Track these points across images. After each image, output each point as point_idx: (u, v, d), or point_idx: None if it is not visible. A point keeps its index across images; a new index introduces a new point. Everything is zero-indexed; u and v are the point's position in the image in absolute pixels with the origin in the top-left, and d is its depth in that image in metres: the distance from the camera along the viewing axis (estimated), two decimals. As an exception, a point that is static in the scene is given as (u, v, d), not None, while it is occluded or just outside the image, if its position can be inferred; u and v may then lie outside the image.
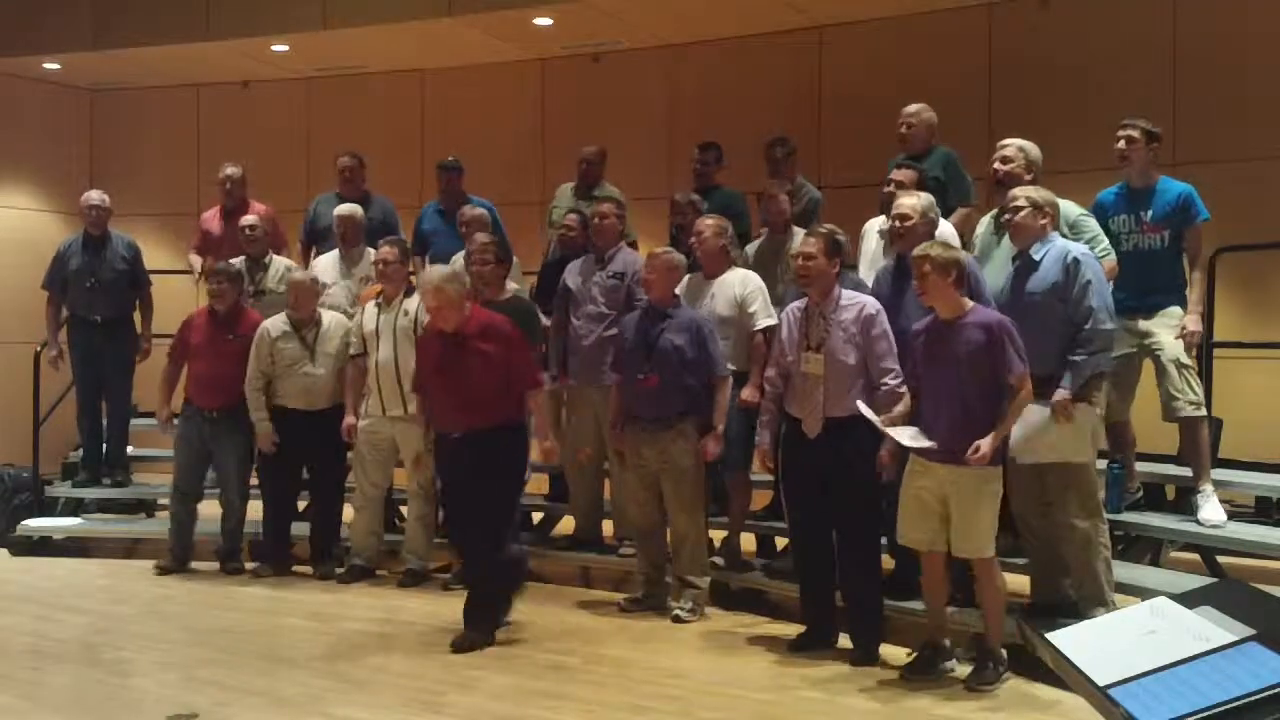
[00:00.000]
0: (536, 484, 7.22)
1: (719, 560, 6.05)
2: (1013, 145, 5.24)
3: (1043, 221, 4.73)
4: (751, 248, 6.29)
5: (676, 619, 5.63)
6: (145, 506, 7.92)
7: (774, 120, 7.32)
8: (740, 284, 5.85)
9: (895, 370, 4.87)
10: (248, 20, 8.90)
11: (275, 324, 6.59)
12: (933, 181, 5.79)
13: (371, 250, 6.87)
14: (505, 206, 7.71)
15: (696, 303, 5.85)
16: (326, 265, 7.25)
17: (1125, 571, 5.03)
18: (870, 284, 5.48)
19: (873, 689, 4.63)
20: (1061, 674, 2.48)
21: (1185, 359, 5.22)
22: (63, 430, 8.02)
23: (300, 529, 6.81)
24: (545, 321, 6.50)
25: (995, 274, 5.04)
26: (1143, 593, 4.59)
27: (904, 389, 4.78)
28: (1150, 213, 5.31)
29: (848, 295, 5.01)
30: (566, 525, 7.06)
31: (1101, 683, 2.20)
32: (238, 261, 7.31)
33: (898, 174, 5.65)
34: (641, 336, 5.66)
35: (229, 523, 6.79)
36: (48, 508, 7.68)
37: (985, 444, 4.37)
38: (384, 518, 6.90)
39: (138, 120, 10.50)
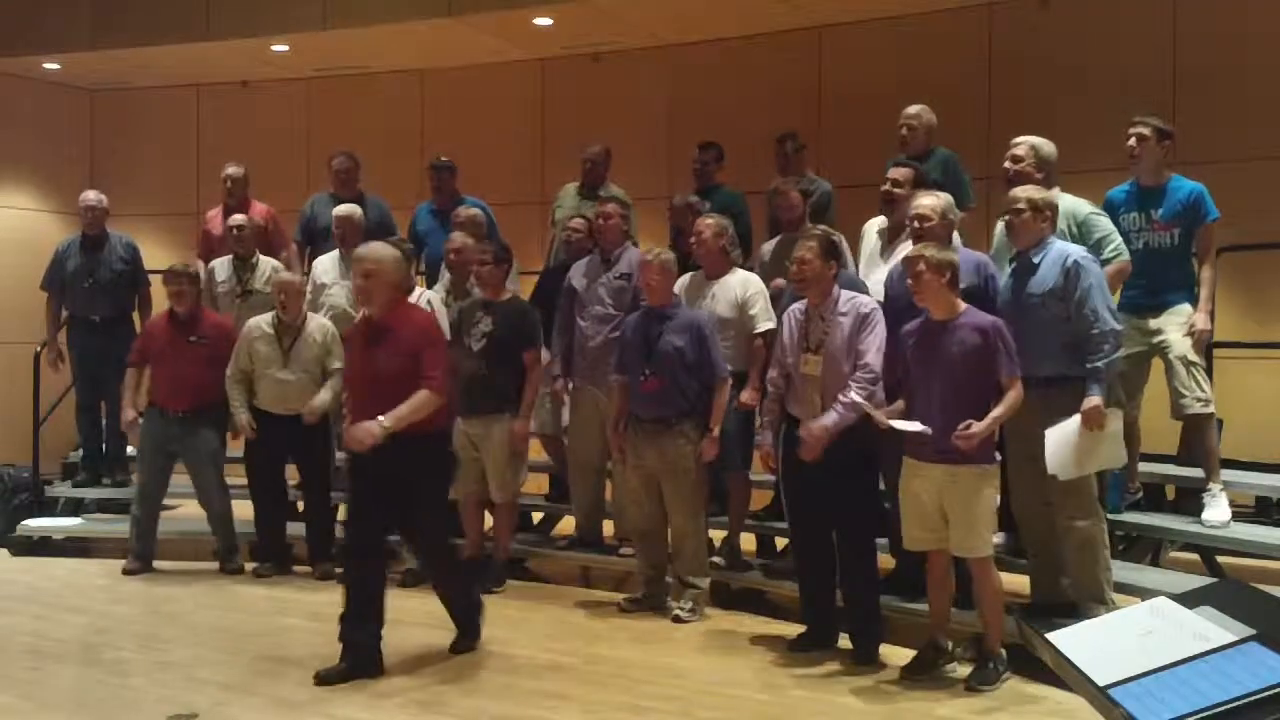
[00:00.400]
0: (536, 484, 7.24)
1: (719, 560, 6.05)
2: (1024, 144, 5.22)
3: (1043, 223, 4.72)
4: (769, 246, 6.26)
5: (676, 619, 5.63)
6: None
7: (774, 120, 7.33)
8: (741, 286, 5.84)
9: (869, 366, 4.83)
10: (248, 20, 8.91)
11: (258, 324, 6.61)
12: (931, 183, 5.78)
13: (371, 250, 6.87)
14: (505, 207, 7.72)
15: (696, 303, 5.85)
16: (326, 266, 7.26)
17: (1125, 572, 5.03)
18: (870, 283, 5.48)
19: (873, 689, 4.62)
20: (1061, 674, 2.47)
21: (1193, 356, 5.20)
22: (63, 430, 8.03)
23: (298, 529, 6.80)
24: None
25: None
26: (1143, 593, 4.59)
27: (863, 387, 4.78)
28: (1161, 211, 5.29)
29: (846, 296, 5.00)
30: (566, 525, 7.07)
31: (1101, 683, 2.19)
32: (223, 262, 7.32)
33: (894, 173, 5.64)
34: (642, 338, 5.66)
35: (215, 522, 6.79)
36: (48, 508, 7.68)
37: (977, 426, 4.35)
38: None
39: (138, 120, 10.51)
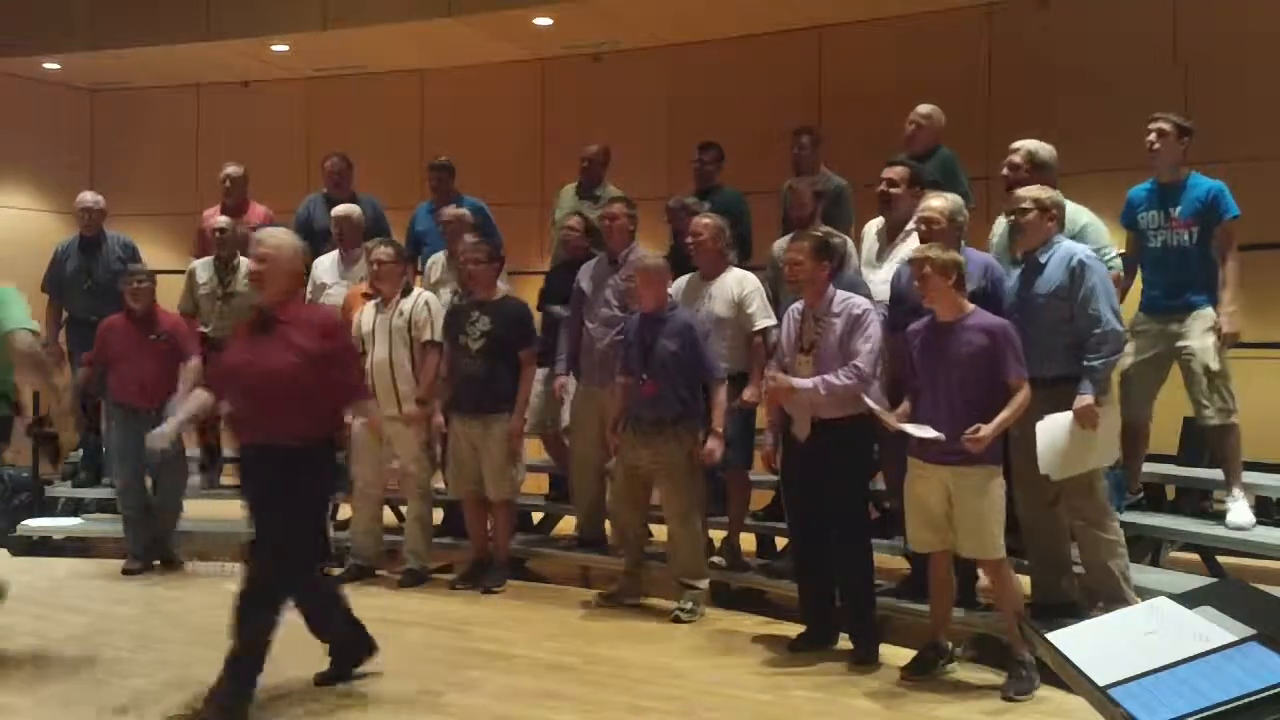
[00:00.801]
0: (537, 484, 7.24)
1: (719, 560, 6.05)
2: (1021, 150, 5.20)
3: (1049, 223, 4.70)
4: (781, 243, 6.22)
5: (676, 619, 5.63)
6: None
7: (774, 120, 7.33)
8: (738, 285, 5.84)
9: (854, 367, 4.81)
10: (248, 20, 8.91)
11: None
12: (930, 183, 5.78)
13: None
14: (505, 207, 7.72)
15: (694, 304, 5.86)
16: (326, 266, 7.27)
17: (1125, 571, 5.02)
18: (874, 282, 5.48)
19: (872, 689, 4.62)
20: (1061, 674, 2.47)
21: (1216, 365, 5.14)
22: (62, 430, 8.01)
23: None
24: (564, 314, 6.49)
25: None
26: (1143, 593, 4.58)
27: (848, 377, 4.78)
28: (1179, 209, 5.24)
29: (841, 296, 4.99)
30: (566, 525, 7.07)
31: (1101, 683, 2.19)
32: (204, 263, 7.33)
33: (889, 172, 5.63)
34: (639, 342, 5.69)
35: (168, 519, 6.87)
36: (48, 508, 7.68)
37: (986, 429, 4.33)
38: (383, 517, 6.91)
39: (138, 120, 10.51)
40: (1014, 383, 4.43)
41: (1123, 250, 5.46)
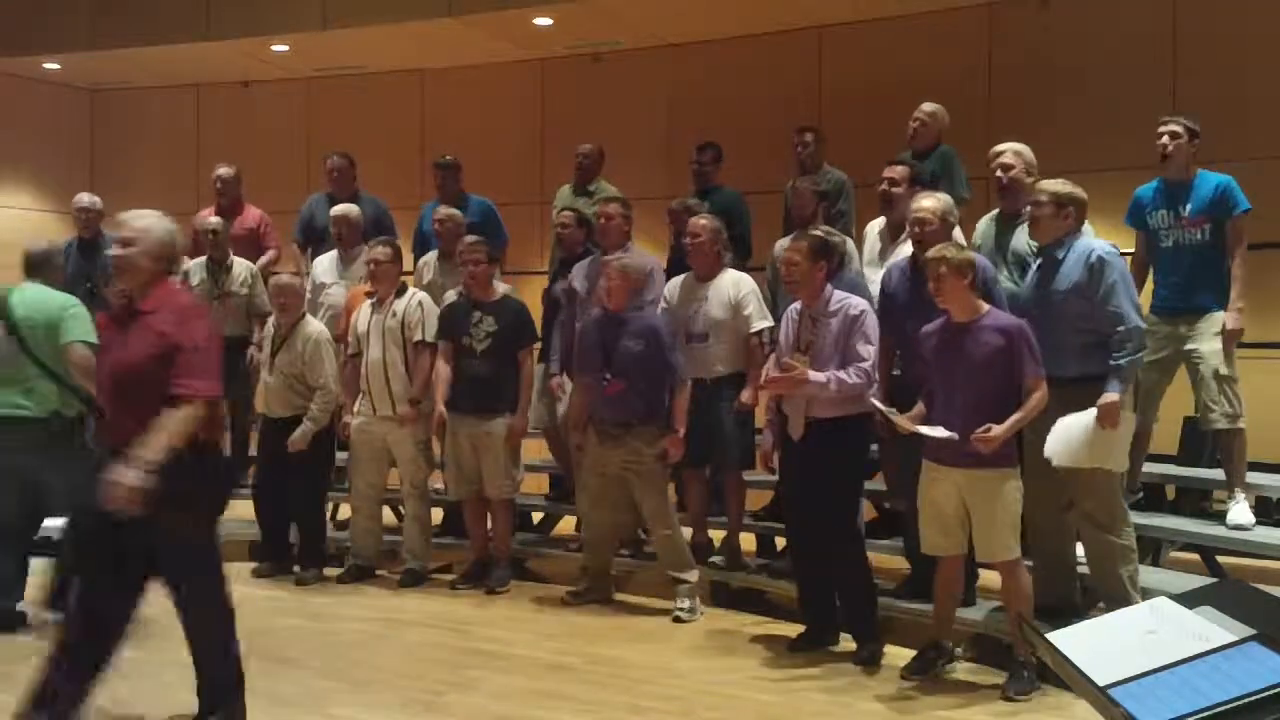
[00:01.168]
0: (537, 484, 7.24)
1: (719, 560, 6.05)
2: (1009, 151, 5.22)
3: (1066, 218, 4.66)
4: (782, 243, 6.21)
5: (677, 619, 5.65)
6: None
7: (774, 120, 7.33)
8: (734, 286, 5.84)
9: (861, 368, 4.81)
10: (248, 20, 8.91)
11: (269, 326, 6.68)
12: (929, 178, 5.79)
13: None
14: (505, 206, 7.72)
15: (690, 305, 5.86)
16: (326, 265, 7.28)
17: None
18: (878, 280, 5.47)
19: (873, 689, 4.63)
20: (1061, 674, 2.47)
21: (1224, 369, 5.12)
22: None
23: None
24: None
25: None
26: (1143, 593, 4.58)
27: (858, 375, 4.77)
28: (1189, 206, 5.21)
29: (838, 297, 4.98)
30: (566, 525, 7.07)
31: (1101, 683, 2.19)
32: (197, 263, 7.33)
33: (890, 171, 5.64)
34: (599, 342, 5.71)
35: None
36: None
37: (998, 429, 4.29)
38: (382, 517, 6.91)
39: (138, 120, 10.51)
40: (1031, 383, 4.39)
41: (1124, 250, 5.45)
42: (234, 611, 3.96)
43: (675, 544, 5.82)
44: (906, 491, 5.15)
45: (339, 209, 7.24)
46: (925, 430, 4.46)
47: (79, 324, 5.22)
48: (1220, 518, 5.23)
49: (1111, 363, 4.50)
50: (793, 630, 5.27)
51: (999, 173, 5.22)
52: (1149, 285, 5.46)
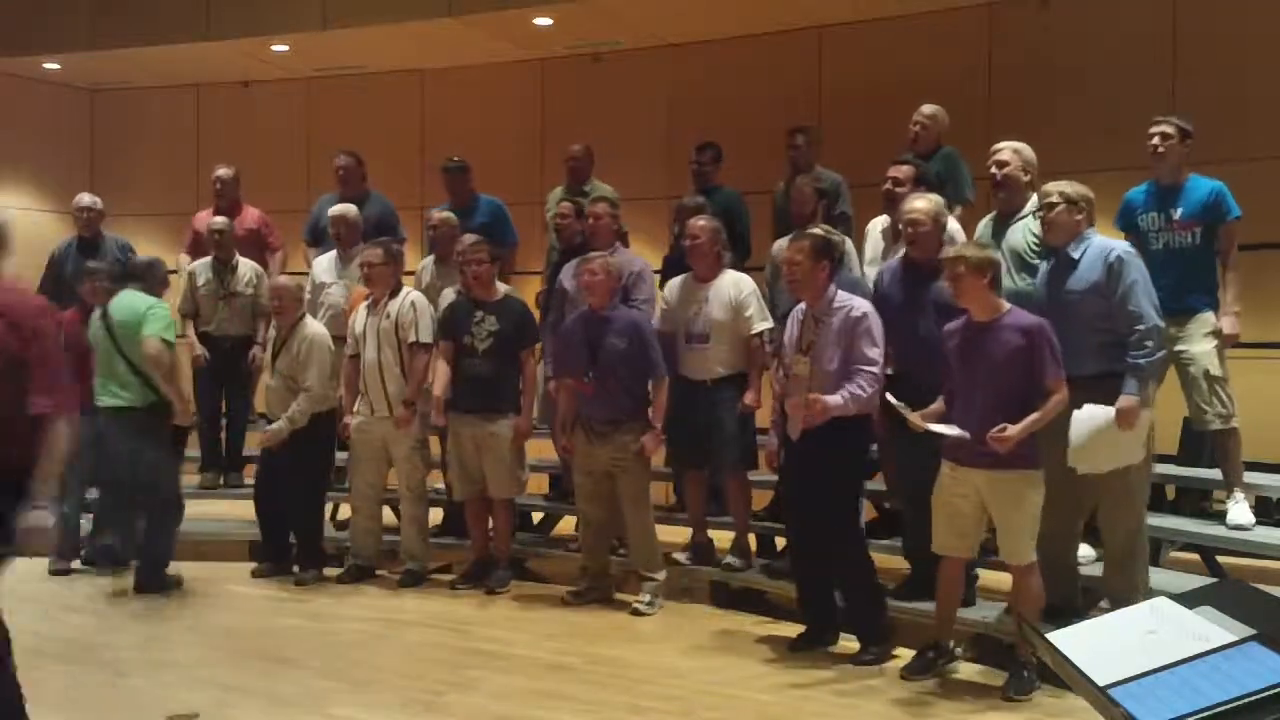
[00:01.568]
0: (537, 484, 7.23)
1: (734, 561, 6.03)
2: (1006, 148, 5.22)
3: (1078, 217, 4.65)
4: (781, 244, 6.19)
5: (635, 612, 5.73)
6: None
7: (774, 120, 7.32)
8: (734, 288, 5.84)
9: (871, 371, 4.80)
10: (248, 20, 8.89)
11: (273, 328, 6.70)
12: (934, 177, 5.78)
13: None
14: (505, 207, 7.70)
15: (690, 306, 5.87)
16: (325, 265, 7.28)
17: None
18: (871, 283, 5.48)
19: (873, 689, 4.63)
20: (1061, 674, 2.47)
21: (1215, 370, 5.12)
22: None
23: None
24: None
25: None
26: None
27: (870, 384, 4.76)
28: (1180, 210, 5.21)
29: (842, 297, 4.97)
30: (566, 525, 7.07)
31: (1101, 683, 2.19)
32: (203, 263, 7.33)
33: (895, 171, 5.64)
34: (583, 341, 5.73)
35: (117, 523, 6.76)
36: (48, 508, 7.68)
37: (1013, 429, 4.26)
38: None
39: (138, 120, 10.50)
40: (1051, 384, 4.36)
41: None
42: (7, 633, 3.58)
43: (649, 543, 5.88)
44: (905, 491, 5.16)
45: (337, 208, 7.24)
46: (937, 428, 4.44)
47: (157, 321, 6.14)
48: (1220, 518, 5.23)
49: (1131, 362, 4.49)
50: (793, 630, 5.27)
51: (994, 169, 5.21)
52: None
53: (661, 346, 5.80)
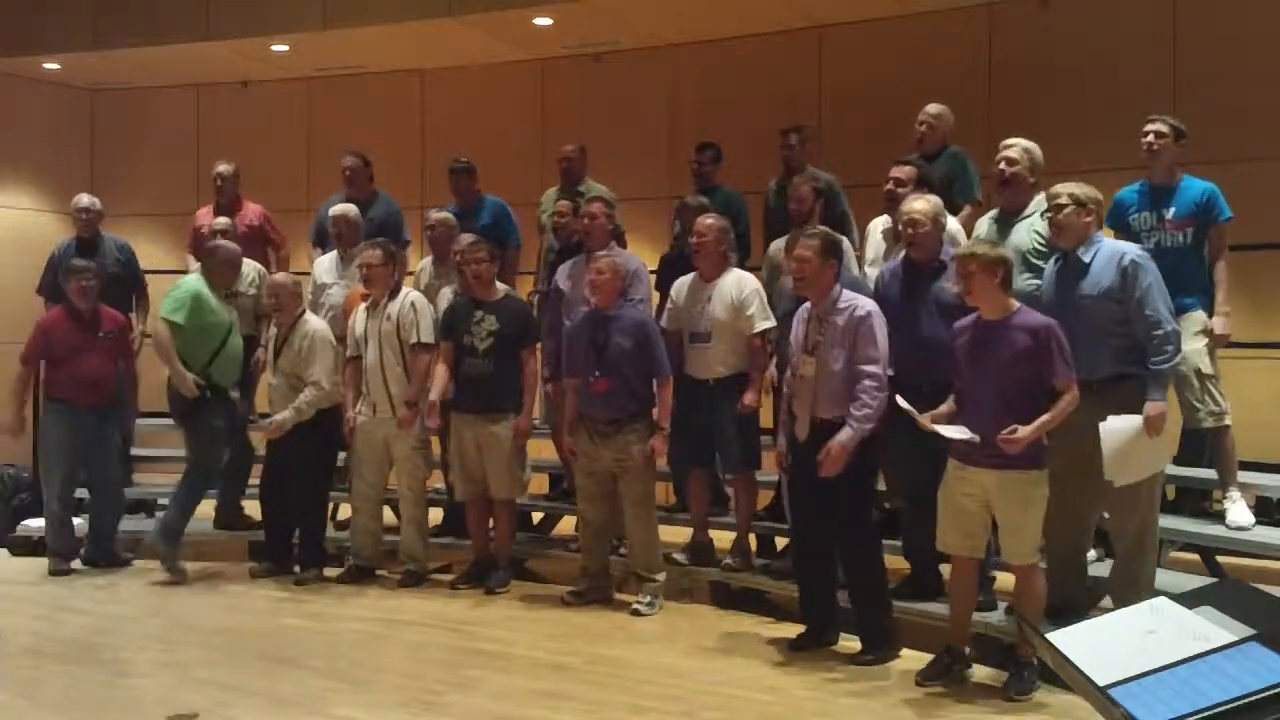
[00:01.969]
0: (537, 484, 7.23)
1: (732, 562, 6.03)
2: (1017, 146, 5.20)
3: (1087, 219, 4.61)
4: (779, 244, 6.16)
5: (635, 613, 5.72)
6: (145, 506, 7.90)
7: (774, 120, 7.32)
8: (736, 287, 5.84)
9: (874, 375, 4.79)
10: (248, 20, 8.90)
11: (273, 327, 6.69)
12: (939, 178, 5.77)
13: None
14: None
15: (694, 306, 5.87)
16: (326, 265, 7.28)
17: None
18: (871, 283, 5.47)
19: (876, 689, 4.62)
20: (1061, 674, 2.47)
21: (1207, 368, 5.12)
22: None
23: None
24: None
25: None
26: (1142, 593, 4.58)
27: (873, 398, 4.74)
28: (1173, 210, 5.20)
29: (847, 296, 4.96)
30: (566, 525, 7.07)
31: (1101, 683, 2.19)
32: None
33: (897, 171, 5.63)
34: (589, 340, 5.72)
35: (108, 518, 6.90)
36: (48, 508, 7.69)
37: (1024, 430, 4.24)
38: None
39: (138, 120, 10.50)
40: (1061, 385, 4.32)
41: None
42: None
43: (651, 545, 5.88)
44: (904, 491, 5.15)
45: (337, 208, 7.24)
46: (947, 432, 4.42)
47: (166, 301, 6.52)
48: (1220, 518, 5.23)
49: (1152, 368, 4.46)
50: (793, 630, 5.27)
51: (1002, 165, 5.18)
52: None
53: (667, 346, 5.81)
